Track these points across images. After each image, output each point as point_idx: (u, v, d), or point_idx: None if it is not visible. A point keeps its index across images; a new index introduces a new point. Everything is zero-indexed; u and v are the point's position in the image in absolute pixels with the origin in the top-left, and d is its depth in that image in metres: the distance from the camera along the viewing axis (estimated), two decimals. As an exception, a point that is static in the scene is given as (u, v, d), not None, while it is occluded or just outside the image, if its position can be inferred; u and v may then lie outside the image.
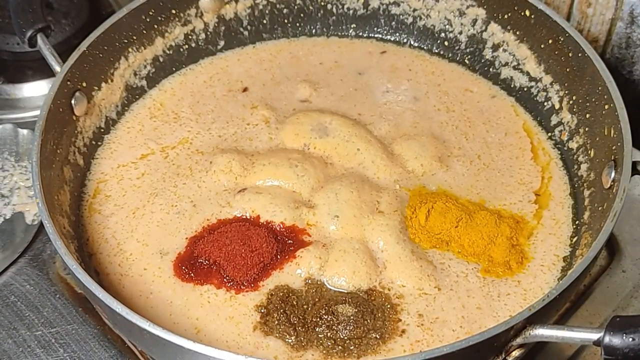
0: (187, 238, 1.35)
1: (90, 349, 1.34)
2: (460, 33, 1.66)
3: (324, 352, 1.22)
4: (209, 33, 1.66)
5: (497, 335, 1.07)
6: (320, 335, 1.23)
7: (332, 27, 1.73)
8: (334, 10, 1.71)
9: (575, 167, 1.45)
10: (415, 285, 1.29)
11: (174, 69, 1.64)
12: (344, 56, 1.69)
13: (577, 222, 1.39)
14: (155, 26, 1.58)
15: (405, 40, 1.72)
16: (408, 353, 1.21)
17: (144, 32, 1.56)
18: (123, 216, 1.39)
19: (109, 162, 1.48)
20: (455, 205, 1.38)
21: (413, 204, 1.39)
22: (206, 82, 1.63)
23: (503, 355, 1.13)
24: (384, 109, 1.58)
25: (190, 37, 1.64)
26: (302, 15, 1.71)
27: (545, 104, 1.55)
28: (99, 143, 1.51)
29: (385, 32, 1.72)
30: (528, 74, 1.58)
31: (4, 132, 1.63)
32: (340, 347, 1.22)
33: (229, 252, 1.30)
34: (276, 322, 1.24)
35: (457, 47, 1.67)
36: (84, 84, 1.45)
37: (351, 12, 1.72)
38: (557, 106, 1.52)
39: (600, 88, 1.37)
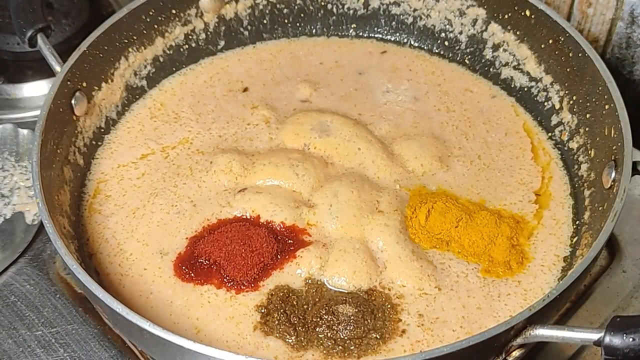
0: (187, 238, 1.35)
1: (91, 349, 1.34)
2: (461, 33, 1.66)
3: (324, 352, 1.22)
4: (209, 33, 1.66)
5: (497, 336, 1.07)
6: (320, 335, 1.23)
7: (332, 27, 1.73)
8: (334, 10, 1.71)
9: (576, 167, 1.45)
10: (415, 285, 1.29)
11: (174, 69, 1.64)
12: (344, 56, 1.69)
13: (577, 222, 1.39)
14: (156, 26, 1.58)
15: (405, 40, 1.71)
16: (408, 353, 1.21)
17: (144, 32, 1.56)
18: (123, 216, 1.39)
19: (109, 162, 1.48)
20: (455, 205, 1.38)
21: (413, 204, 1.39)
22: (206, 82, 1.63)
23: (503, 356, 1.13)
24: (384, 109, 1.58)
25: (190, 37, 1.64)
26: (302, 15, 1.71)
27: (546, 104, 1.55)
28: (99, 143, 1.51)
29: (385, 32, 1.72)
30: (528, 74, 1.58)
31: (4, 132, 1.63)
32: (340, 347, 1.22)
33: (229, 252, 1.30)
34: (276, 322, 1.24)
35: (457, 47, 1.67)
36: (84, 84, 1.45)
37: (351, 12, 1.72)
38: (557, 106, 1.52)
39: (600, 88, 1.37)
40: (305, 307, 1.26)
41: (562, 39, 1.48)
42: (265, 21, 1.70)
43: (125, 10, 1.51)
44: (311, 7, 1.71)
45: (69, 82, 1.40)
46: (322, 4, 1.71)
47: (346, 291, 1.28)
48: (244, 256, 1.30)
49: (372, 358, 1.21)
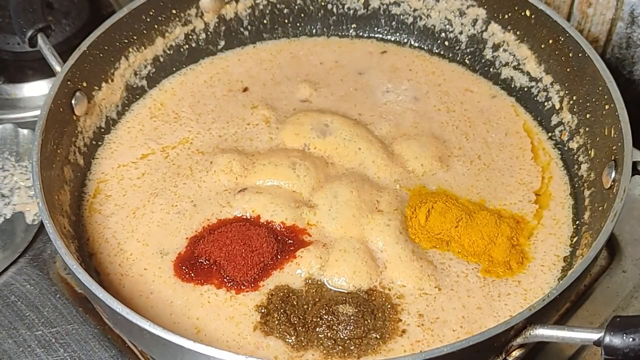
0: (187, 238, 1.35)
1: (91, 349, 1.34)
2: (461, 33, 1.66)
3: (324, 352, 1.22)
4: (209, 33, 1.66)
5: (497, 335, 1.07)
6: (320, 335, 1.23)
7: (332, 27, 1.73)
8: (335, 10, 1.71)
9: (576, 167, 1.45)
10: (415, 285, 1.29)
11: (174, 68, 1.64)
12: (344, 56, 1.69)
13: (577, 222, 1.39)
14: (156, 26, 1.58)
15: (405, 40, 1.72)
16: (408, 353, 1.21)
17: (145, 32, 1.57)
18: (123, 216, 1.40)
19: (110, 162, 1.48)
20: (455, 205, 1.38)
21: (413, 204, 1.39)
22: (206, 82, 1.63)
23: (503, 355, 1.13)
24: (384, 109, 1.58)
25: (190, 37, 1.64)
26: (302, 15, 1.71)
27: (546, 104, 1.55)
28: (99, 143, 1.51)
29: (385, 32, 1.72)
30: (528, 74, 1.58)
31: (4, 132, 1.63)
32: (340, 347, 1.22)
33: (229, 252, 1.30)
34: (276, 322, 1.24)
35: (457, 47, 1.67)
36: (85, 84, 1.45)
37: (351, 12, 1.72)
38: (557, 106, 1.52)
39: (600, 88, 1.37)
40: (305, 307, 1.26)
41: (562, 39, 1.48)
42: (265, 21, 1.70)
43: (126, 10, 1.51)
44: (311, 7, 1.71)
45: (69, 82, 1.40)
46: (322, 4, 1.71)
47: (346, 291, 1.28)
48: (244, 256, 1.30)
49: (372, 358, 1.21)
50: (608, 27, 1.71)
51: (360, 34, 1.73)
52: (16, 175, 1.57)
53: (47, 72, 1.64)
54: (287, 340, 1.23)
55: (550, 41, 1.51)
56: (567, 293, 1.15)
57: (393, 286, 1.29)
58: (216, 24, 1.66)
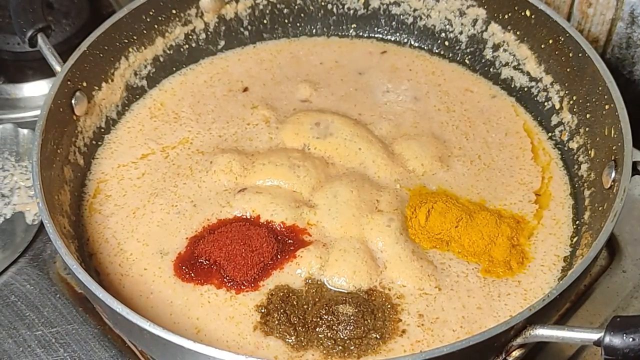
0: (187, 238, 1.35)
1: (91, 349, 1.34)
2: (461, 33, 1.66)
3: (324, 352, 1.22)
4: (209, 33, 1.66)
5: (497, 335, 1.07)
6: (320, 335, 1.23)
7: (332, 27, 1.73)
8: (335, 10, 1.71)
9: (576, 167, 1.45)
10: (415, 285, 1.29)
11: (174, 68, 1.64)
12: (344, 56, 1.69)
13: (577, 222, 1.39)
14: (156, 26, 1.58)
15: (405, 40, 1.71)
16: (408, 353, 1.21)
17: (145, 32, 1.57)
18: (123, 216, 1.39)
19: (109, 162, 1.48)
20: (455, 205, 1.38)
21: (413, 204, 1.39)
22: (206, 82, 1.63)
23: (503, 356, 1.13)
24: (385, 108, 1.58)
25: (190, 37, 1.64)
26: (302, 15, 1.71)
27: (546, 104, 1.55)
28: (99, 143, 1.51)
29: (385, 32, 1.72)
30: (528, 74, 1.58)
31: (4, 131, 1.63)
32: (340, 347, 1.22)
33: (229, 252, 1.30)
34: (276, 322, 1.24)
35: (457, 47, 1.67)
36: (85, 84, 1.45)
37: (351, 12, 1.72)
38: (557, 106, 1.52)
39: (600, 88, 1.37)
40: (305, 307, 1.26)
41: (562, 39, 1.48)
42: (265, 21, 1.70)
43: (126, 10, 1.51)
44: (311, 7, 1.71)
45: (69, 82, 1.40)
46: (322, 4, 1.71)
47: (346, 291, 1.28)
48: (244, 256, 1.30)
49: (372, 358, 1.21)
50: (608, 27, 1.71)
51: (360, 34, 1.73)
52: (16, 175, 1.57)
53: (47, 72, 1.64)
54: (287, 340, 1.23)
55: (551, 41, 1.51)
56: (567, 293, 1.15)
57: (393, 286, 1.29)
58: (216, 24, 1.66)
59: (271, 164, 1.42)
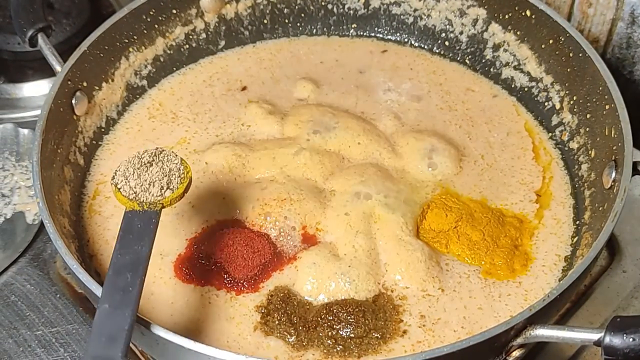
0: (187, 239, 1.35)
1: (91, 349, 1.34)
2: (461, 33, 1.66)
3: (325, 351, 1.22)
4: (209, 33, 1.66)
5: (497, 336, 1.07)
6: (321, 335, 1.23)
7: (332, 27, 1.73)
8: (335, 10, 1.71)
9: (576, 167, 1.45)
10: (419, 287, 1.28)
11: (174, 68, 1.64)
12: (344, 55, 1.69)
13: (577, 222, 1.39)
14: (156, 26, 1.58)
15: (406, 40, 1.71)
16: (409, 353, 1.21)
17: (145, 31, 1.56)
18: (123, 217, 1.39)
19: (109, 163, 1.48)
20: (457, 205, 1.38)
21: (417, 204, 1.38)
22: (205, 81, 1.63)
23: (503, 356, 1.13)
24: (386, 107, 1.58)
25: (190, 36, 1.64)
26: (302, 15, 1.71)
27: (546, 104, 1.55)
28: (100, 143, 1.51)
29: (386, 31, 1.72)
30: (529, 74, 1.58)
31: (4, 131, 1.63)
32: (341, 346, 1.22)
33: (230, 253, 1.30)
34: (277, 322, 1.24)
35: (458, 47, 1.67)
36: (85, 84, 1.45)
37: (352, 12, 1.72)
38: (557, 106, 1.52)
39: (601, 88, 1.37)
40: (306, 306, 1.26)
41: (562, 39, 1.48)
42: (265, 21, 1.70)
43: (126, 10, 1.51)
44: (312, 7, 1.71)
45: (69, 82, 1.40)
46: (323, 4, 1.71)
47: (348, 292, 1.28)
48: (244, 257, 1.30)
49: (373, 358, 1.21)
50: (608, 27, 1.70)
51: (361, 33, 1.73)
52: (16, 175, 1.57)
53: (47, 71, 1.64)
54: (287, 340, 1.23)
55: (551, 41, 1.51)
56: (568, 293, 1.15)
57: (396, 287, 1.29)
58: (216, 24, 1.66)
59: (270, 160, 1.42)
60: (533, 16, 1.53)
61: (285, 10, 1.70)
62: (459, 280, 1.30)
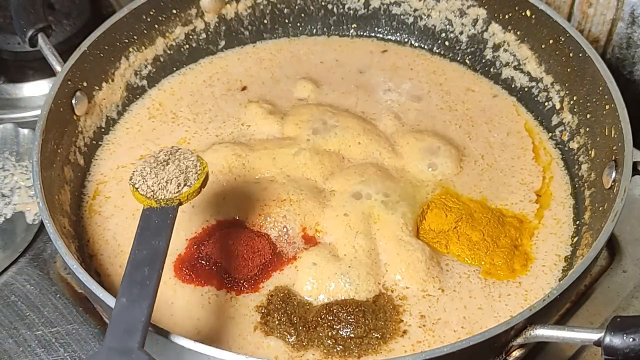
0: (187, 239, 1.35)
1: (91, 349, 1.34)
2: (461, 33, 1.66)
3: (325, 351, 1.22)
4: (209, 33, 1.66)
5: (497, 336, 1.07)
6: (321, 335, 1.23)
7: (332, 27, 1.73)
8: (335, 10, 1.71)
9: (576, 167, 1.45)
10: (419, 287, 1.28)
11: (174, 68, 1.64)
12: (344, 55, 1.69)
13: (577, 222, 1.39)
14: (156, 26, 1.58)
15: (406, 40, 1.71)
16: (409, 353, 1.21)
17: (145, 32, 1.56)
18: (123, 217, 1.39)
19: (108, 163, 1.48)
20: (457, 205, 1.38)
21: (417, 204, 1.38)
22: (205, 81, 1.63)
23: (503, 356, 1.13)
24: (386, 107, 1.58)
25: (191, 36, 1.64)
26: (302, 15, 1.71)
27: (546, 104, 1.55)
28: (100, 143, 1.51)
29: (386, 32, 1.72)
30: (529, 74, 1.58)
31: (4, 131, 1.62)
32: (341, 346, 1.22)
33: (230, 253, 1.30)
34: (277, 322, 1.24)
35: (458, 47, 1.67)
36: (85, 84, 1.45)
37: (352, 12, 1.72)
38: (557, 106, 1.52)
39: (601, 88, 1.37)
40: (306, 306, 1.26)
41: (562, 39, 1.48)
42: (265, 21, 1.70)
43: (126, 10, 1.51)
44: (312, 7, 1.71)
45: (69, 82, 1.40)
46: (323, 4, 1.71)
47: (348, 292, 1.28)
48: (244, 257, 1.30)
49: (373, 358, 1.21)
50: (608, 27, 1.70)
51: (361, 33, 1.73)
52: (16, 175, 1.57)
53: (47, 71, 1.64)
54: (287, 340, 1.23)
55: (551, 41, 1.51)
56: (568, 293, 1.15)
57: (396, 288, 1.29)
58: (216, 24, 1.66)
59: (270, 160, 1.42)
60: (533, 16, 1.53)
61: (285, 10, 1.70)
62: (459, 280, 1.31)
